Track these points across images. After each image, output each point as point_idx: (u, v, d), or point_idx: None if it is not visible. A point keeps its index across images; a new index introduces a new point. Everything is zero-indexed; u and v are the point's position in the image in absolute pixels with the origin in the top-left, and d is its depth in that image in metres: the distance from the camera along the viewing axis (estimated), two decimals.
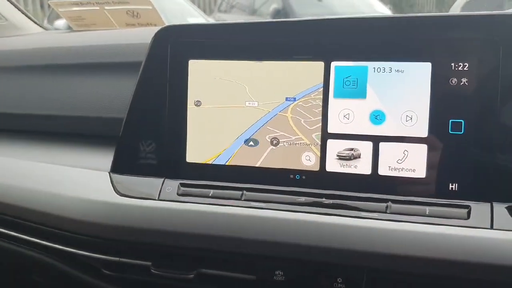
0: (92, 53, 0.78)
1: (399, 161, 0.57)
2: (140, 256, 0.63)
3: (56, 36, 0.98)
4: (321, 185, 0.59)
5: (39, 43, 0.88)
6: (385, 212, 0.55)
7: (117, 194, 0.63)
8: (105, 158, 0.68)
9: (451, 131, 0.55)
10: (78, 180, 0.67)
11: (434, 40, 0.56)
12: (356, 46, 0.58)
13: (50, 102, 0.78)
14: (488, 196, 0.54)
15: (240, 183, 0.61)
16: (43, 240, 0.69)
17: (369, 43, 0.58)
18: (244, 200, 0.59)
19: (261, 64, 0.61)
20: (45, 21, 4.50)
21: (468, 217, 0.53)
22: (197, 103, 0.63)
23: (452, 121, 0.55)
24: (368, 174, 0.58)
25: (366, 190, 0.57)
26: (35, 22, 1.19)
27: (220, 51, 0.62)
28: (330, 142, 0.59)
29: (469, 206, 0.53)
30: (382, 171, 0.57)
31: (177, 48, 0.64)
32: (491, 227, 0.51)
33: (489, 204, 0.53)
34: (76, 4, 1.07)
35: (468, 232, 0.51)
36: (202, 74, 0.63)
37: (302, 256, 0.56)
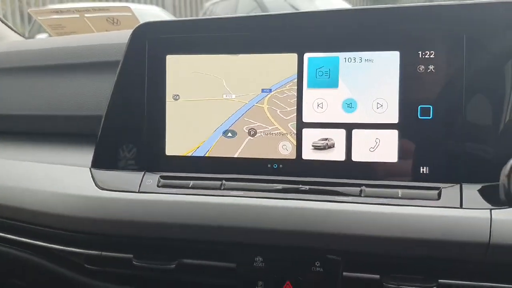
0: (72, 54, 0.79)
1: (372, 147, 0.59)
2: (121, 249, 0.64)
3: (36, 40, 0.98)
4: (298, 173, 0.61)
5: (18, 46, 0.89)
6: (360, 196, 0.56)
7: (98, 188, 0.63)
8: (86, 155, 0.69)
9: (420, 116, 0.57)
10: (58, 176, 0.67)
11: (401, 30, 0.58)
12: (327, 38, 0.60)
13: (31, 103, 0.78)
14: (457, 178, 0.56)
15: (220, 173, 0.62)
16: (25, 238, 0.69)
17: (339, 35, 0.60)
18: (224, 189, 0.61)
19: (237, 58, 0.63)
20: (26, 35, 4.49)
21: (439, 198, 0.55)
22: (176, 97, 0.65)
23: (421, 107, 0.57)
24: (342, 161, 0.59)
25: (341, 176, 0.59)
26: (17, 32, 1.19)
27: (196, 46, 0.64)
28: (306, 131, 0.61)
29: (440, 187, 0.55)
30: (356, 157, 0.59)
31: (154, 44, 0.65)
32: (461, 207, 0.53)
33: (458, 185, 0.55)
34: (56, 12, 1.08)
35: (439, 212, 0.53)
36: (179, 68, 0.64)
37: (281, 241, 0.57)
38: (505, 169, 0.47)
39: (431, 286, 0.55)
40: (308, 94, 0.60)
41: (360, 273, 0.57)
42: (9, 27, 1.18)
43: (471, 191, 0.55)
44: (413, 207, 0.54)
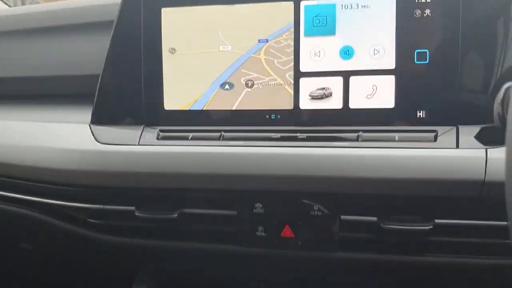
0: (66, 16, 0.78)
1: (369, 94, 0.59)
2: (123, 202, 0.65)
3: (30, 6, 0.98)
4: (296, 123, 0.61)
5: (14, 11, 0.88)
6: (357, 141, 0.57)
7: (98, 142, 0.64)
8: (86, 113, 0.69)
9: (417, 61, 0.57)
10: (59, 133, 0.68)
11: None
12: None
13: (28, 65, 0.78)
14: (454, 120, 0.57)
15: (218, 126, 0.63)
16: (29, 196, 0.70)
17: None
18: (223, 140, 0.61)
19: (233, 8, 0.62)
20: None
21: (435, 140, 0.56)
22: (172, 51, 0.65)
23: (417, 52, 0.57)
24: (339, 109, 0.60)
25: (339, 124, 0.60)
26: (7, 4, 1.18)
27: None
28: (303, 80, 0.61)
29: (436, 130, 0.56)
30: (353, 104, 0.60)
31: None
32: (457, 147, 0.54)
33: (455, 128, 0.56)
34: None
35: (436, 153, 0.54)
36: (175, 21, 0.64)
37: (280, 187, 0.58)
38: (498, 97, 0.48)
39: (427, 226, 0.56)
40: (305, 42, 0.61)
41: (358, 216, 0.58)
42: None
43: (467, 132, 0.55)
44: (410, 149, 0.55)
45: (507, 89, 0.46)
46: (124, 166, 0.62)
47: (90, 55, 0.73)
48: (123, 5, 0.66)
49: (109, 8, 0.74)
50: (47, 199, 0.69)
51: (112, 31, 0.66)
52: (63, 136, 0.67)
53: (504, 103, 0.47)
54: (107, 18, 0.73)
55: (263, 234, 0.61)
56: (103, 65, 0.67)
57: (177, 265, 0.74)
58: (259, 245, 0.61)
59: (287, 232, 0.60)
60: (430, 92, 0.57)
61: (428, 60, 0.57)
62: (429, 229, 0.56)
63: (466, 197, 0.53)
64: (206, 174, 0.60)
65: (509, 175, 0.30)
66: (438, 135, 0.56)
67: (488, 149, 0.53)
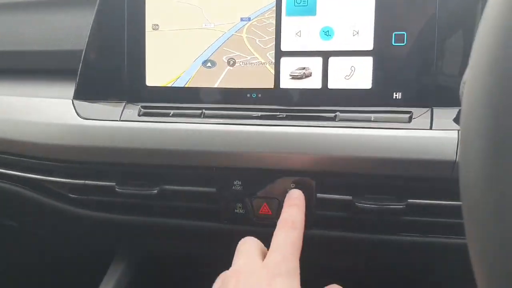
0: None
1: (347, 75, 0.60)
2: (104, 177, 0.66)
3: None
4: (276, 102, 0.62)
5: None
6: (334, 120, 0.58)
7: (79, 117, 0.65)
8: (69, 89, 0.69)
9: (394, 43, 0.58)
10: (41, 107, 0.68)
11: None
12: None
13: (10, 39, 0.78)
14: (429, 102, 0.58)
15: (200, 103, 0.64)
16: (9, 170, 0.70)
17: None
18: (204, 117, 0.62)
19: None
20: None
21: (410, 121, 0.57)
22: (155, 27, 0.65)
23: (395, 34, 0.58)
24: (319, 89, 0.61)
25: (318, 104, 0.61)
26: None
27: None
28: (284, 60, 0.62)
29: (411, 111, 0.58)
30: (332, 84, 0.60)
31: None
32: (431, 128, 0.56)
33: (429, 109, 0.57)
34: None
35: (409, 133, 0.55)
36: None
37: (258, 164, 0.59)
38: (464, 77, 0.49)
39: (401, 205, 0.57)
40: (287, 22, 0.61)
41: (332, 194, 0.59)
42: None
43: (441, 114, 0.57)
44: (384, 129, 0.56)
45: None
46: (105, 141, 0.62)
47: (74, 30, 0.73)
48: None
49: None
50: (29, 173, 0.69)
51: (96, 5, 0.66)
52: (45, 111, 0.67)
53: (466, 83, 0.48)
54: None
55: (241, 211, 0.62)
56: (86, 40, 0.67)
57: (156, 243, 0.75)
58: (237, 222, 0.63)
59: (264, 209, 0.61)
60: (406, 74, 0.58)
61: (406, 42, 0.58)
62: (402, 208, 0.57)
63: (439, 177, 0.55)
64: (186, 151, 0.60)
65: (461, 156, 0.31)
66: (413, 116, 0.57)
67: (460, 131, 0.54)
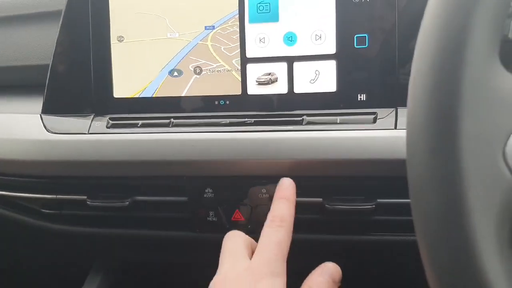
0: (16, 6, 0.77)
1: (312, 79, 0.61)
2: (75, 191, 0.65)
3: None
4: (244, 108, 0.62)
5: None
6: (301, 124, 0.59)
7: (48, 132, 0.64)
8: (36, 104, 0.69)
9: (356, 45, 0.59)
10: (8, 123, 0.67)
11: None
12: None
13: None
14: (393, 103, 0.59)
15: (168, 113, 0.64)
16: None
17: None
18: (172, 126, 0.62)
19: None
20: None
21: (375, 121, 0.58)
22: (120, 39, 0.65)
23: (357, 36, 0.59)
24: (285, 94, 0.61)
25: (285, 108, 0.61)
26: None
27: None
28: (250, 66, 0.62)
29: (376, 112, 0.58)
30: (297, 89, 0.61)
31: None
32: (395, 128, 0.57)
33: (394, 109, 0.58)
34: None
35: (374, 134, 0.56)
36: (123, 9, 0.64)
37: (228, 171, 0.59)
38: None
39: (370, 205, 0.58)
40: (250, 29, 0.62)
41: (303, 198, 0.60)
42: None
43: (405, 112, 0.57)
44: (350, 131, 0.57)
45: None
46: (74, 155, 0.62)
47: (40, 45, 0.73)
48: None
49: None
50: None
51: (61, 19, 0.66)
52: (13, 127, 0.67)
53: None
54: (56, 8, 0.73)
55: (214, 219, 0.62)
56: (52, 54, 0.67)
57: (132, 254, 0.75)
58: (211, 230, 0.63)
59: (237, 215, 0.61)
60: (370, 75, 0.59)
61: (368, 45, 0.59)
62: (372, 208, 0.58)
63: (405, 176, 0.56)
64: (155, 161, 0.60)
65: (408, 152, 0.32)
66: (378, 117, 0.58)
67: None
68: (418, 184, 0.29)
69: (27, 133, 0.65)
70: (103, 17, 0.65)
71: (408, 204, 0.58)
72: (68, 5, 0.66)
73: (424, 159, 0.28)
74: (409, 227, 0.60)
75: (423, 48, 0.29)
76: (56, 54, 0.66)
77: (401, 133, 0.56)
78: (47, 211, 0.67)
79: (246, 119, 0.61)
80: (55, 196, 0.66)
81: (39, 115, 0.67)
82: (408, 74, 0.59)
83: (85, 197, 0.64)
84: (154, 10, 0.64)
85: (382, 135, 0.56)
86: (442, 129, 0.27)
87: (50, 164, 0.63)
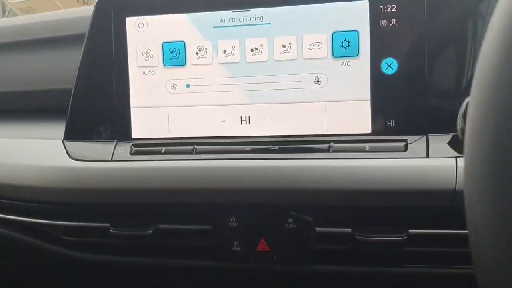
0: (39, 29, 0.78)
1: None
2: (98, 218, 0.64)
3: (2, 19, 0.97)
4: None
5: None
6: (328, 152, 0.57)
7: (71, 158, 0.64)
8: (59, 129, 0.69)
9: (384, 70, 0.58)
10: (31, 149, 0.67)
11: None
12: None
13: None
14: (423, 129, 0.57)
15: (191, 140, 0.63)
16: (1, 214, 0.69)
17: None
18: (196, 153, 0.61)
19: None
20: None
21: (406, 149, 0.56)
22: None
23: (385, 61, 0.58)
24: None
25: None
26: None
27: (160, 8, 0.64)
28: None
29: (406, 139, 0.56)
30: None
31: (119, 9, 0.65)
32: (427, 156, 0.54)
33: (425, 136, 0.56)
34: None
35: (406, 162, 0.54)
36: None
37: (254, 200, 0.58)
38: (460, 111, 0.48)
39: (401, 236, 0.56)
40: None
41: (332, 228, 0.58)
42: None
43: (437, 141, 0.55)
44: (380, 159, 0.55)
45: (468, 104, 0.47)
46: (98, 183, 0.61)
47: (60, 69, 0.73)
48: (94, 18, 0.65)
49: (80, 21, 0.74)
50: (19, 216, 0.68)
51: (83, 46, 0.66)
52: (35, 153, 0.67)
53: (465, 117, 0.47)
54: (79, 32, 0.73)
55: (238, 248, 0.60)
56: (75, 79, 0.66)
57: (152, 283, 0.73)
58: (234, 260, 0.61)
59: (262, 246, 0.60)
60: (399, 101, 0.57)
61: (396, 69, 0.57)
62: (404, 239, 0.56)
63: (439, 207, 0.53)
64: (180, 189, 0.59)
65: (466, 184, 0.30)
66: (408, 144, 0.56)
67: (458, 158, 0.53)
68: (480, 214, 0.27)
69: (50, 160, 0.65)
70: (124, 42, 0.64)
71: (441, 235, 0.56)
72: (91, 30, 0.66)
73: (488, 191, 0.26)
74: (442, 259, 0.58)
75: (490, 87, 0.27)
76: (78, 80, 0.66)
77: (433, 162, 0.54)
78: (69, 238, 0.66)
79: (271, 145, 0.60)
80: (77, 223, 0.65)
81: (61, 141, 0.67)
82: (439, 99, 0.58)
83: (108, 224, 0.63)
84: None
85: (414, 164, 0.54)
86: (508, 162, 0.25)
87: (73, 191, 0.62)
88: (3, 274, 0.86)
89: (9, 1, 1.09)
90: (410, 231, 0.56)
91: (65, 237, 0.66)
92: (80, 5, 1.06)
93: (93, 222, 0.64)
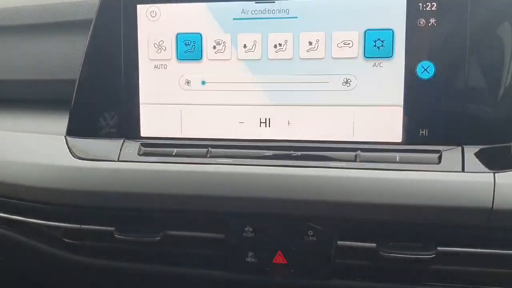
0: (42, 13, 0.72)
1: None
2: (102, 221, 0.60)
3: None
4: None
5: None
6: (355, 161, 0.53)
7: (74, 157, 0.59)
8: (61, 122, 0.64)
9: (420, 74, 0.53)
10: (31, 145, 0.62)
11: None
12: None
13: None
14: (458, 140, 0.52)
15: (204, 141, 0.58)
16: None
17: None
18: (210, 157, 0.56)
19: None
20: None
21: (439, 161, 0.51)
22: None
23: (421, 64, 0.53)
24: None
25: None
26: None
27: None
28: None
29: (440, 150, 0.52)
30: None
31: None
32: (463, 170, 0.50)
33: (459, 148, 0.52)
34: None
35: (440, 177, 0.50)
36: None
37: (272, 210, 0.54)
38: None
39: (430, 254, 0.52)
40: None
41: (355, 242, 0.54)
42: None
43: (473, 153, 0.51)
44: (412, 171, 0.51)
45: None
46: (103, 185, 0.57)
47: (63, 58, 0.67)
48: (101, 5, 0.60)
49: (86, 5, 0.68)
50: (18, 216, 0.64)
51: (89, 34, 0.60)
52: (36, 149, 0.62)
53: None
54: (82, 17, 0.67)
55: (253, 260, 0.56)
56: (79, 71, 0.61)
57: None
58: (248, 271, 0.57)
59: (279, 258, 0.56)
60: (433, 108, 0.53)
61: (433, 74, 0.52)
62: (431, 257, 0.52)
63: (472, 225, 0.50)
64: (192, 195, 0.55)
65: None
66: (442, 156, 0.52)
67: (496, 173, 0.49)
68: None
69: (50, 157, 0.60)
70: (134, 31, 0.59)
71: (471, 254, 0.53)
72: (98, 16, 0.60)
73: None
74: (471, 278, 0.55)
75: None
76: (83, 71, 0.61)
77: (470, 178, 0.50)
78: (70, 240, 0.62)
79: (292, 152, 0.55)
80: (79, 226, 0.61)
81: (63, 137, 0.62)
82: (478, 108, 0.53)
83: (113, 228, 0.59)
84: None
85: (448, 178, 0.50)
86: None
87: (75, 193, 0.58)
88: (3, 274, 0.82)
89: None
90: (438, 248, 0.52)
91: (65, 240, 0.62)
92: None
93: (97, 225, 0.60)
